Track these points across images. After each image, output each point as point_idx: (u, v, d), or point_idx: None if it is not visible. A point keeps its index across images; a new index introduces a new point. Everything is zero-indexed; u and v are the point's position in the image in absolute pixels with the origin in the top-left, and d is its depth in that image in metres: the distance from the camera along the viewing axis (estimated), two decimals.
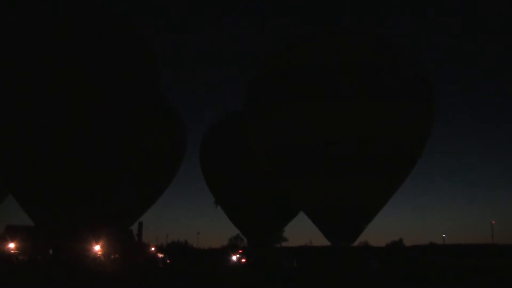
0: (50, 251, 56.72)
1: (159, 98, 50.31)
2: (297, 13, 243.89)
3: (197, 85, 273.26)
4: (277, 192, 60.04)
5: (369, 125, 48.12)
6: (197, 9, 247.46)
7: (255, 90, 54.41)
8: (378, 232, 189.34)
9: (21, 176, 45.45)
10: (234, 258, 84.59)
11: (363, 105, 47.90)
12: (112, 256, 66.32)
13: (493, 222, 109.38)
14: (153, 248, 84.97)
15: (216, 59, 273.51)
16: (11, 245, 67.13)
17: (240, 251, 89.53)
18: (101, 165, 44.50)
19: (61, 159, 43.23)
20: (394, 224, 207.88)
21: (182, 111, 79.95)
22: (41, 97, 41.75)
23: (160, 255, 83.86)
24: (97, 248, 60.60)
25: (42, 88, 41.65)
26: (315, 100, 48.43)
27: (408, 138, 50.56)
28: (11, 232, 69.52)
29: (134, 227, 75.90)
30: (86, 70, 42.24)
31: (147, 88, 45.93)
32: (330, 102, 48.06)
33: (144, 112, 46.17)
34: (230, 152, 68.45)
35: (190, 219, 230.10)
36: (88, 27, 43.53)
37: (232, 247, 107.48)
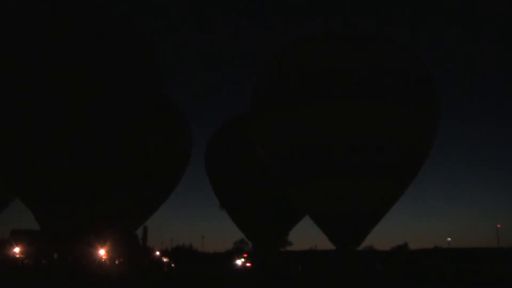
0: (55, 255, 56.85)
1: (161, 99, 50.26)
2: (298, 14, 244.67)
3: (198, 86, 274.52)
4: (278, 193, 59.99)
5: (370, 132, 47.94)
6: (197, 9, 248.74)
7: (257, 91, 54.47)
8: (383, 236, 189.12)
9: (21, 176, 45.58)
10: (239, 262, 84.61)
11: (365, 111, 47.73)
12: (116, 260, 66.47)
13: (499, 225, 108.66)
14: (157, 252, 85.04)
15: (216, 59, 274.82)
16: (16, 249, 67.51)
17: (245, 255, 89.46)
18: (101, 165, 44.54)
19: (61, 159, 43.28)
20: (399, 228, 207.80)
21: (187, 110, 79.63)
22: (41, 97, 41.83)
23: (165, 259, 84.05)
24: (102, 252, 60.75)
25: (42, 88, 41.74)
26: (316, 101, 48.31)
27: (411, 140, 50.22)
28: (16, 237, 69.90)
29: (139, 232, 76.09)
30: (86, 70, 42.28)
31: (148, 88, 45.91)
32: (331, 103, 47.94)
33: (145, 112, 46.13)
34: (234, 155, 68.57)
35: (195, 223, 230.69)
36: (88, 27, 43.59)
37: (237, 251, 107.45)
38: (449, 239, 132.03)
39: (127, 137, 45.35)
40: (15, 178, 46.77)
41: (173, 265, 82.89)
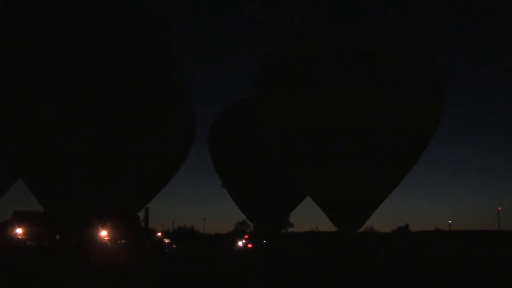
0: (57, 237, 57.03)
1: (169, 89, 49.72)
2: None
3: (203, 67, 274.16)
4: (282, 179, 60.14)
5: (373, 114, 47.57)
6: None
7: (262, 73, 54.01)
8: (384, 217, 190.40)
9: (24, 162, 45.44)
10: (240, 243, 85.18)
11: (369, 94, 47.26)
12: (118, 242, 66.80)
13: (500, 208, 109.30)
14: (159, 234, 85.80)
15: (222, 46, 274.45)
16: (19, 231, 67.89)
17: (246, 237, 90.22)
18: (103, 155, 44.26)
19: (64, 144, 42.96)
20: (400, 210, 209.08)
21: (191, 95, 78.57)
22: (41, 97, 41.46)
23: (166, 241, 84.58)
24: (103, 233, 60.91)
25: (42, 88, 41.35)
26: (321, 84, 47.86)
27: (414, 127, 49.87)
28: (18, 218, 70.26)
29: (141, 213, 76.24)
30: (86, 70, 41.78)
31: (154, 79, 45.38)
32: (336, 86, 47.42)
33: (149, 100, 45.70)
34: (237, 139, 68.54)
35: (196, 205, 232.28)
36: (88, 26, 42.90)
37: (239, 233, 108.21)
38: (450, 221, 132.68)
39: (132, 128, 44.97)
40: (18, 163, 46.72)
41: (174, 246, 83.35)
